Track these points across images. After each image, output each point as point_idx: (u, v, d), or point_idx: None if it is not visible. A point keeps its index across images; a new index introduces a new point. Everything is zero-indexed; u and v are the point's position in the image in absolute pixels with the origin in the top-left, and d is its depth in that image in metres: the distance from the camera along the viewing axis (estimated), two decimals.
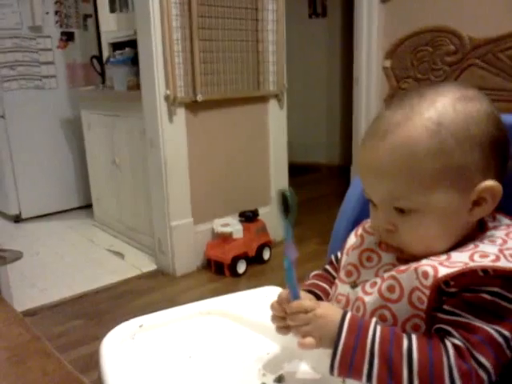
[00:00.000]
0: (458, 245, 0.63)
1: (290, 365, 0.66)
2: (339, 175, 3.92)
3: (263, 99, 2.68)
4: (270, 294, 0.77)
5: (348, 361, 0.57)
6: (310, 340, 0.59)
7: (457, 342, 0.55)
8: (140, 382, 0.64)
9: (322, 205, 3.45)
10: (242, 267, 2.40)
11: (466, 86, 0.67)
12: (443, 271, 0.57)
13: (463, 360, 0.54)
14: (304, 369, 0.66)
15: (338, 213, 0.87)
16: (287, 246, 0.61)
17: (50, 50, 3.34)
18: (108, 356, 0.68)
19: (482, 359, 0.54)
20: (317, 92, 4.70)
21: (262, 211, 2.61)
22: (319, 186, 4.12)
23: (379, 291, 0.63)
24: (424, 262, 0.60)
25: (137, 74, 2.50)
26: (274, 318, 0.66)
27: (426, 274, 0.58)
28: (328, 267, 0.81)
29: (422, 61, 1.01)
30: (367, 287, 0.65)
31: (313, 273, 0.80)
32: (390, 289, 0.61)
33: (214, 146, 2.53)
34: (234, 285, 2.31)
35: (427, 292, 0.58)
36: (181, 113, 2.35)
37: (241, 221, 2.48)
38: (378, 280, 0.64)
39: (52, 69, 3.37)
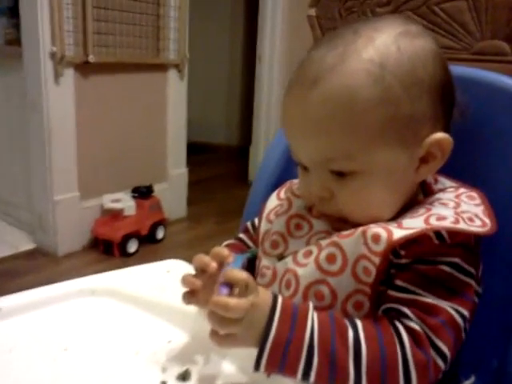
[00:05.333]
0: (404, 210, 0.54)
1: (197, 356, 0.53)
2: (237, 156, 3.87)
3: (162, 67, 2.53)
4: (172, 268, 0.63)
5: (279, 356, 0.44)
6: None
7: (413, 325, 0.45)
8: None
9: (220, 185, 3.39)
10: (133, 247, 2.25)
11: (406, 20, 0.57)
12: (399, 233, 0.47)
13: (420, 348, 0.44)
14: (216, 361, 0.52)
15: (256, 173, 0.74)
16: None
17: None
18: None
19: (442, 345, 0.45)
20: (218, 71, 4.58)
21: (157, 188, 2.47)
22: (217, 166, 4.04)
23: (316, 262, 0.51)
24: (373, 225, 0.49)
25: (17, 26, 2.21)
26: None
27: (377, 238, 0.48)
28: (242, 236, 0.69)
29: (351, 11, 0.91)
30: (300, 257, 0.53)
31: (225, 242, 0.68)
32: (330, 258, 0.50)
33: (107, 113, 2.33)
34: (123, 265, 2.10)
35: (377, 260, 0.47)
36: (69, 74, 2.12)
37: (134, 197, 2.32)
38: (314, 248, 0.53)
39: None
